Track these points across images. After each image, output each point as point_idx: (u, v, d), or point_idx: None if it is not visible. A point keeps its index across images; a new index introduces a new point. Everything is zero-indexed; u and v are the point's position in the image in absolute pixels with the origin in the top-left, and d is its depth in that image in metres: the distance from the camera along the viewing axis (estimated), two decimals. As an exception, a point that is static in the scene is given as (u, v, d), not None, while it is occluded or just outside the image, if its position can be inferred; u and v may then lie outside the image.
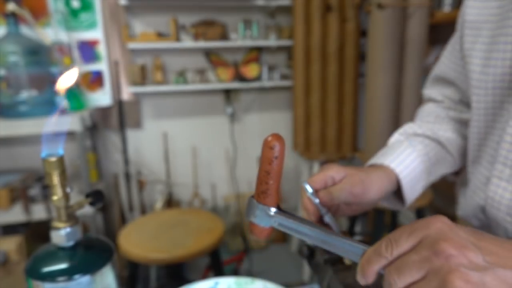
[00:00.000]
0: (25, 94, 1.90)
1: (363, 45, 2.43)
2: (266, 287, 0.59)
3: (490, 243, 0.34)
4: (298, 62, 2.37)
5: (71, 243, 0.43)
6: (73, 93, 2.08)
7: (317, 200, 0.50)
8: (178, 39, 2.28)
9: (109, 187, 2.48)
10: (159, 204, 2.30)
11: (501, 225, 0.55)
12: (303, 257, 0.58)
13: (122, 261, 2.18)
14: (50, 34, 2.10)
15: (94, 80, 2.28)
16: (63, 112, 0.45)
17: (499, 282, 0.32)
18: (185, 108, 2.57)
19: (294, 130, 2.51)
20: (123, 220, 2.45)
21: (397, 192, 0.63)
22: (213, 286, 0.60)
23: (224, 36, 2.38)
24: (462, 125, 0.71)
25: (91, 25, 2.20)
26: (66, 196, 0.42)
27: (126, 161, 2.44)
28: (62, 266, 0.41)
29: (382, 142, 0.91)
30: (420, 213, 1.79)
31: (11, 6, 1.88)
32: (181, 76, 2.39)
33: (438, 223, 0.34)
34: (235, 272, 2.33)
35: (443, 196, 2.12)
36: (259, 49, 2.54)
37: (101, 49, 2.25)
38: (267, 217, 0.42)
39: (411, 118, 0.80)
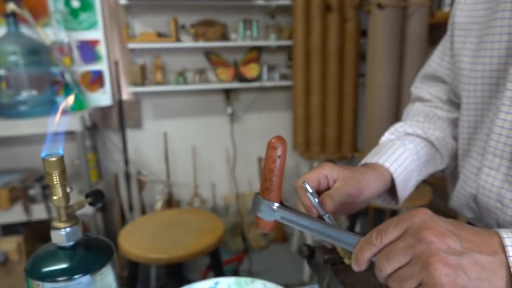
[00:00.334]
0: (25, 94, 1.90)
1: (363, 45, 2.42)
2: (266, 287, 0.59)
3: (467, 231, 0.38)
4: (298, 62, 2.37)
5: (71, 243, 0.43)
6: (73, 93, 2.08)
7: (317, 200, 0.50)
8: (178, 39, 2.28)
9: (109, 187, 2.48)
10: (159, 204, 2.30)
11: (492, 212, 0.59)
12: (303, 257, 0.58)
13: (122, 261, 2.18)
14: (50, 34, 2.10)
15: (94, 80, 2.28)
16: (63, 112, 0.45)
17: (474, 265, 0.35)
18: (185, 108, 2.57)
19: (294, 130, 2.51)
20: (123, 220, 2.45)
21: (390, 190, 0.65)
22: (213, 286, 0.60)
23: (224, 36, 2.38)
24: (449, 124, 0.74)
25: (91, 25, 2.21)
26: (66, 196, 0.42)
27: (126, 161, 2.45)
28: (62, 266, 0.41)
29: (382, 142, 0.91)
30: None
31: (11, 6, 1.88)
32: (181, 76, 2.39)
33: (421, 214, 0.38)
34: (235, 272, 2.33)
35: (443, 195, 2.12)
36: (259, 49, 2.54)
37: (101, 49, 2.25)
38: (271, 212, 0.47)
39: (411, 118, 0.80)
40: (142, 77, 2.28)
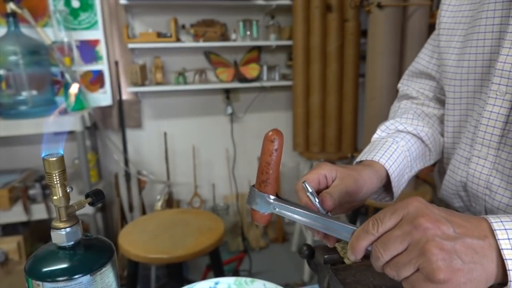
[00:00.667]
0: (25, 94, 1.90)
1: (363, 45, 2.42)
2: (266, 287, 0.59)
3: (458, 218, 0.40)
4: (298, 62, 2.37)
5: (71, 243, 0.43)
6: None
7: (317, 200, 0.50)
8: (178, 39, 2.28)
9: (109, 187, 2.48)
10: (159, 204, 2.30)
11: (480, 199, 0.63)
12: (303, 257, 0.58)
13: (122, 261, 2.18)
14: (50, 34, 2.10)
15: (94, 80, 2.28)
16: (63, 112, 0.45)
17: (467, 249, 0.37)
18: (185, 108, 2.57)
19: (294, 130, 2.51)
20: (123, 220, 2.45)
21: (384, 187, 0.68)
22: (213, 286, 0.60)
23: (224, 36, 2.38)
24: (436, 120, 0.78)
25: (91, 25, 2.20)
26: (66, 196, 0.42)
27: (126, 161, 2.45)
28: (62, 266, 0.41)
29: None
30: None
31: (11, 6, 1.88)
32: (181, 76, 2.39)
33: (416, 203, 0.40)
34: (235, 272, 2.33)
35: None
36: (259, 49, 2.54)
37: (101, 49, 2.25)
38: (266, 204, 0.47)
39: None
40: (142, 77, 2.28)
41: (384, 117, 0.84)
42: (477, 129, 0.62)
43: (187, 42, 2.32)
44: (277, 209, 0.47)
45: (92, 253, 0.44)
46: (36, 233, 2.13)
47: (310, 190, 0.50)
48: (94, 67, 2.27)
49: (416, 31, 1.93)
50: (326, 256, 0.53)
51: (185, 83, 2.41)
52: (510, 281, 0.38)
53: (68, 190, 0.42)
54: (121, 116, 2.37)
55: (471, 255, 0.37)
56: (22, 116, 1.87)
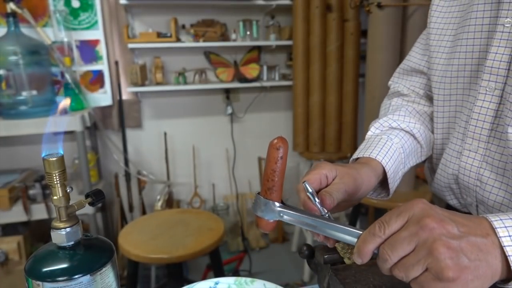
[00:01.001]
0: (25, 94, 1.90)
1: (363, 45, 2.42)
2: (266, 287, 0.59)
3: (460, 217, 0.41)
4: (298, 62, 2.37)
5: (71, 243, 0.43)
6: (73, 93, 2.08)
7: (317, 200, 0.50)
8: (178, 39, 2.28)
9: (109, 187, 2.48)
10: (159, 204, 2.30)
11: (471, 190, 0.65)
12: (303, 257, 0.58)
13: (122, 261, 2.18)
14: (50, 34, 2.10)
15: (94, 80, 2.28)
16: (63, 112, 0.45)
17: (472, 247, 0.38)
18: (185, 108, 2.57)
19: (294, 130, 2.51)
20: (123, 220, 2.45)
21: (380, 183, 0.68)
22: (213, 286, 0.60)
23: (224, 36, 2.38)
24: (426, 117, 0.79)
25: (91, 25, 2.20)
26: (66, 196, 0.42)
27: (126, 161, 2.45)
28: (62, 266, 0.41)
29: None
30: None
31: (11, 6, 1.88)
32: (181, 76, 2.39)
33: (420, 204, 0.41)
34: (235, 272, 2.33)
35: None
36: (259, 49, 2.54)
37: (101, 49, 2.25)
38: (272, 212, 0.47)
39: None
40: (142, 77, 2.28)
41: (384, 117, 0.84)
42: (468, 124, 0.64)
43: (187, 42, 2.32)
44: (284, 216, 0.48)
45: (92, 253, 0.44)
46: (36, 233, 2.13)
47: (310, 190, 0.50)
48: (94, 67, 2.27)
49: (416, 31, 1.93)
50: (326, 256, 0.53)
51: (185, 83, 2.41)
52: None
53: (68, 190, 0.42)
54: (121, 116, 2.37)
55: (476, 253, 0.38)
56: (22, 116, 1.87)
